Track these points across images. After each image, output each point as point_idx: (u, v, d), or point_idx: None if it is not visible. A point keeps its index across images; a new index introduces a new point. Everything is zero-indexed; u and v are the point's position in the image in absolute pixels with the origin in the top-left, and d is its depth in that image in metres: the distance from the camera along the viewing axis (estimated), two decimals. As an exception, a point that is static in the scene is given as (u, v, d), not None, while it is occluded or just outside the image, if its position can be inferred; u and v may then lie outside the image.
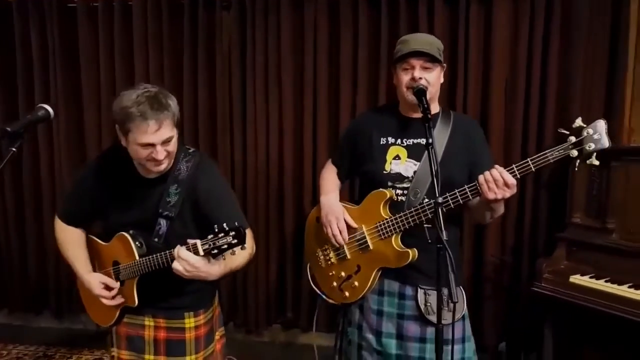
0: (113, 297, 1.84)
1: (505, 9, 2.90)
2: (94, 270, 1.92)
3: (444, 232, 1.46)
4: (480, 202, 1.75)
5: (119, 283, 1.84)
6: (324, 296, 2.03)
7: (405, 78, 1.81)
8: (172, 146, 1.68)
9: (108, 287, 1.84)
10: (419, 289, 1.85)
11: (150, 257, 1.72)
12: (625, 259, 2.35)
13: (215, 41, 3.21)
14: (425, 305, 1.83)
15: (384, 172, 1.87)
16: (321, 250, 2.03)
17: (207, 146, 3.27)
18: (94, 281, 1.85)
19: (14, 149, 1.41)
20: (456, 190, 1.70)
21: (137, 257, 1.75)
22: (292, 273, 3.29)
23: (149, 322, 1.88)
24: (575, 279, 2.38)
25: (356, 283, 1.91)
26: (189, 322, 1.88)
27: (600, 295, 2.26)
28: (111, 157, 1.84)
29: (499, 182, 1.62)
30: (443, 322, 1.76)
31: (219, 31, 3.20)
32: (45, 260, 3.53)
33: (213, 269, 1.64)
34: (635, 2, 2.78)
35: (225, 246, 1.54)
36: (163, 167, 1.71)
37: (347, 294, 1.94)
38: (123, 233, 1.79)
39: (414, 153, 1.86)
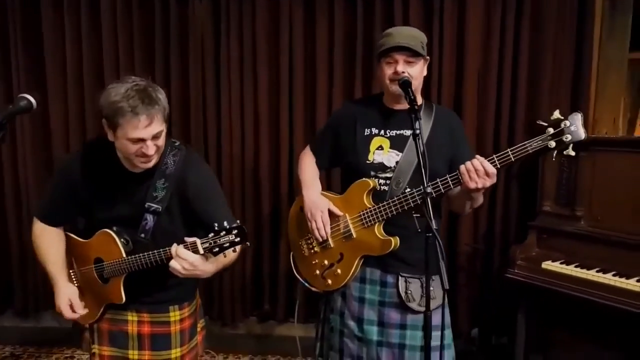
0: (73, 314, 1.82)
1: (478, 3, 2.97)
2: (71, 268, 1.89)
3: (433, 221, 1.50)
4: (461, 192, 1.79)
5: (85, 308, 1.83)
6: (306, 284, 2.04)
7: (388, 71, 1.84)
8: (162, 141, 1.65)
9: (73, 308, 1.81)
10: (399, 277, 1.89)
11: (144, 254, 1.69)
12: (593, 245, 2.46)
13: (189, 31, 3.14)
14: (406, 292, 1.87)
15: (367, 162, 1.90)
16: (304, 240, 2.04)
17: (181, 137, 3.21)
18: (64, 296, 1.82)
19: (-3, 140, 1.36)
20: (438, 180, 1.73)
21: (124, 255, 1.73)
22: (269, 265, 3.28)
23: (132, 317, 1.84)
24: (547, 265, 2.47)
25: (339, 271, 1.93)
26: (174, 315, 1.86)
27: (571, 280, 2.37)
28: (95, 149, 1.78)
29: (479, 172, 1.66)
30: (418, 307, 1.85)
31: (192, 21, 3.14)
32: (9, 258, 3.39)
33: (208, 267, 1.63)
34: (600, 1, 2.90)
35: (228, 244, 1.55)
36: (152, 163, 1.68)
37: (329, 281, 1.96)
38: (106, 230, 1.75)
39: (396, 144, 1.89)
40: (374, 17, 3.03)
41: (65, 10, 3.16)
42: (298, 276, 2.08)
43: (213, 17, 3.14)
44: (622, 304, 2.16)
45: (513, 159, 1.65)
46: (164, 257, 1.65)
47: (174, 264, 1.57)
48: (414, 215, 1.75)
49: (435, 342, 1.81)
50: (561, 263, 2.46)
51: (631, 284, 2.19)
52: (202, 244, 1.56)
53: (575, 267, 2.40)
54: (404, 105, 1.81)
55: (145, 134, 1.57)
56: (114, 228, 1.75)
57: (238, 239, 1.54)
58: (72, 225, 1.93)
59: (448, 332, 1.94)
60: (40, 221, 1.86)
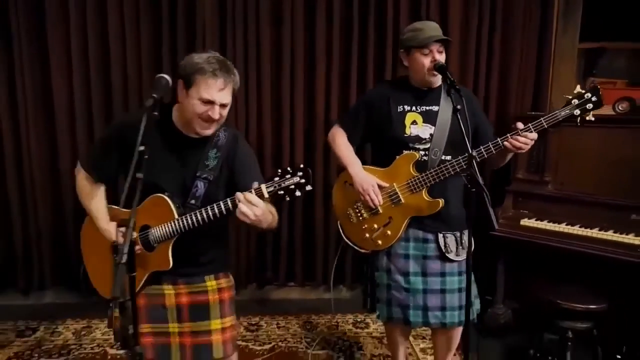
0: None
1: (458, 11, 3.42)
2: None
3: (480, 178, 1.88)
4: (497, 154, 2.14)
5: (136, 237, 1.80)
6: (355, 247, 2.37)
7: (425, 61, 2.18)
8: (225, 112, 1.76)
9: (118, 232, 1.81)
10: (438, 234, 2.27)
11: (210, 207, 1.71)
12: (559, 204, 3.01)
13: (196, 26, 3.30)
14: (445, 246, 2.27)
15: (405, 135, 2.23)
16: (352, 209, 2.35)
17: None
18: (112, 227, 1.82)
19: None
20: (481, 147, 2.07)
21: (176, 216, 1.75)
22: (272, 235, 3.57)
23: (168, 290, 1.87)
24: (525, 222, 2.99)
25: (389, 232, 2.28)
26: (211, 284, 1.91)
27: (545, 232, 2.90)
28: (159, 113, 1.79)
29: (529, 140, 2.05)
30: (457, 258, 2.26)
31: (199, 15, 3.29)
32: (12, 237, 3.41)
33: (268, 216, 1.73)
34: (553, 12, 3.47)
35: (293, 186, 1.60)
36: (212, 130, 1.77)
37: (380, 242, 2.29)
38: (159, 195, 1.77)
39: (428, 118, 2.24)
40: (368, 11, 3.38)
41: (70, 6, 3.22)
42: (347, 241, 2.40)
43: (219, 10, 3.32)
44: (588, 248, 2.71)
45: (546, 126, 2.04)
46: (228, 205, 1.68)
47: (244, 209, 1.60)
48: (463, 175, 2.12)
49: (463, 284, 2.27)
50: (536, 220, 3.00)
51: (594, 233, 2.76)
52: (266, 187, 1.61)
53: (548, 222, 2.94)
54: (430, 86, 2.23)
55: (217, 97, 1.69)
56: (166, 193, 1.78)
57: (303, 180, 1.60)
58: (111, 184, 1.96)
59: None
60: (85, 171, 1.89)
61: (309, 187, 1.62)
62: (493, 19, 3.44)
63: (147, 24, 3.30)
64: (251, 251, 3.60)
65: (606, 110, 3.05)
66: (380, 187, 2.26)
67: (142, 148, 1.41)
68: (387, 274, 2.33)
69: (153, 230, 1.80)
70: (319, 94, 3.47)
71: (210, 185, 1.82)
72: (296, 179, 1.60)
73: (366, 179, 2.27)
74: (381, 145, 2.36)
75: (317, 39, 3.40)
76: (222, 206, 1.71)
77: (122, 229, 1.78)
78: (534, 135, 2.05)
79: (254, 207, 1.61)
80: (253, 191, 1.62)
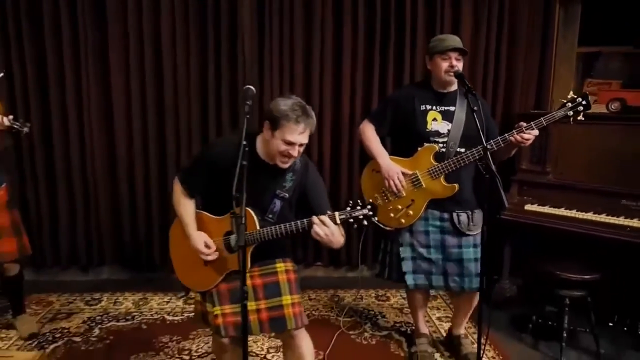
0: (208, 250, 2.12)
1: (469, 8, 3.82)
2: None
3: (493, 166, 2.28)
4: (505, 147, 2.55)
5: (215, 247, 2.12)
6: (381, 225, 2.78)
7: (444, 65, 2.60)
8: (302, 150, 2.07)
9: (207, 246, 2.14)
10: (453, 213, 2.70)
11: (288, 224, 2.00)
12: (559, 191, 3.41)
13: (237, 26, 3.73)
14: (459, 223, 2.69)
15: (427, 129, 2.65)
16: (378, 193, 2.77)
17: (230, 111, 3.84)
18: (200, 238, 2.13)
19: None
20: (493, 140, 2.49)
21: (258, 228, 2.04)
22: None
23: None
24: (529, 207, 3.40)
25: (410, 212, 2.71)
26: (280, 266, 2.21)
27: (547, 216, 3.30)
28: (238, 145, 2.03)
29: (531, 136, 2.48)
30: (470, 232, 2.69)
31: (240, 17, 3.72)
32: (76, 219, 3.86)
33: (339, 237, 2.00)
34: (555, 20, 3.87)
35: (362, 217, 1.93)
36: (289, 164, 2.08)
37: (403, 220, 2.72)
38: (247, 208, 1.91)
39: (446, 116, 2.67)
40: (389, 18, 3.79)
41: (129, 11, 3.66)
42: (375, 220, 2.81)
43: (258, 15, 3.75)
44: (584, 229, 3.09)
45: (545, 124, 2.48)
46: (305, 225, 1.97)
47: (317, 229, 1.92)
48: (479, 164, 2.53)
49: (478, 255, 2.70)
50: (538, 205, 3.41)
51: (589, 216, 3.16)
52: (339, 215, 1.94)
53: (549, 207, 3.36)
54: (448, 89, 2.67)
55: (298, 139, 1.99)
56: (251, 207, 2.02)
57: (371, 213, 1.93)
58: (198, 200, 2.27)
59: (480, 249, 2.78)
60: (180, 184, 2.22)
61: (375, 219, 1.96)
62: (500, 26, 3.84)
63: (194, 30, 3.72)
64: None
65: (601, 108, 3.47)
66: (404, 173, 2.68)
67: (244, 162, 1.77)
68: (410, 248, 2.75)
69: (235, 236, 2.04)
70: (345, 93, 3.88)
71: (284, 203, 2.14)
72: (365, 211, 1.93)
73: (392, 167, 2.69)
74: (404, 138, 2.76)
75: (344, 45, 3.81)
76: (299, 225, 2.00)
77: (207, 239, 2.13)
78: (536, 132, 2.48)
79: (327, 229, 1.93)
80: (327, 216, 1.94)
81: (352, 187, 3.96)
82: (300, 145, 2.03)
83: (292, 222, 2.02)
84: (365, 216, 1.94)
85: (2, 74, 2.90)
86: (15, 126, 2.54)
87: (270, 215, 2.12)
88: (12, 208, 2.85)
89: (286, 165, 2.08)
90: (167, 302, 3.58)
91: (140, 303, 3.56)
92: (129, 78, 3.74)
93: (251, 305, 2.11)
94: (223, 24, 3.71)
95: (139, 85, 3.76)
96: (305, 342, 2.21)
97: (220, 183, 2.08)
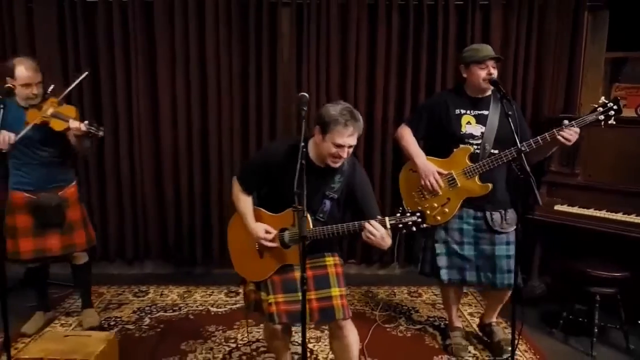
0: (268, 235, 2.28)
1: (499, 15, 3.96)
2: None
3: (528, 168, 2.43)
4: (540, 149, 2.69)
5: (276, 235, 2.28)
6: None
7: (482, 73, 2.74)
8: (351, 151, 2.21)
9: (268, 233, 2.30)
10: (486, 212, 2.84)
11: (340, 225, 2.15)
12: (587, 192, 3.52)
13: (277, 34, 3.94)
14: (492, 221, 2.82)
15: (462, 132, 2.80)
16: (416, 192, 2.93)
17: (270, 110, 4.04)
18: (260, 227, 2.31)
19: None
20: (527, 142, 2.62)
21: (311, 227, 2.17)
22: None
23: (297, 266, 2.27)
24: (558, 207, 3.52)
25: (446, 210, 2.85)
26: (329, 260, 2.36)
27: (575, 216, 3.41)
28: (294, 144, 2.18)
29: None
30: (503, 230, 2.82)
31: (280, 25, 3.94)
32: (124, 216, 4.11)
33: (388, 240, 2.14)
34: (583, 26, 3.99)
35: (411, 223, 2.07)
36: (339, 164, 2.22)
37: (439, 217, 2.87)
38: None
39: (479, 120, 2.81)
40: (422, 27, 3.95)
41: (176, 12, 3.89)
42: (423, 227, 2.95)
43: (297, 23, 3.94)
44: (613, 229, 3.21)
45: (576, 127, 2.62)
46: (356, 228, 2.12)
47: (369, 233, 2.06)
48: (514, 165, 2.66)
49: (511, 252, 2.82)
50: (568, 206, 3.52)
51: (619, 216, 3.26)
52: (389, 220, 2.08)
53: (579, 208, 3.46)
54: (482, 95, 2.82)
55: (347, 142, 2.13)
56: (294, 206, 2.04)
57: (420, 220, 2.07)
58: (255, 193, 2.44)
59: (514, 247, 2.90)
60: (238, 182, 2.40)
61: (425, 225, 2.09)
62: (529, 32, 3.97)
63: (237, 34, 3.93)
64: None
65: (629, 112, 3.57)
66: (440, 173, 2.83)
67: (303, 162, 1.93)
68: (445, 245, 2.90)
69: (289, 233, 2.28)
70: (378, 98, 4.04)
71: (334, 203, 2.29)
72: (414, 218, 2.07)
73: (429, 167, 2.85)
74: (440, 140, 2.91)
75: (378, 51, 3.98)
76: (351, 227, 2.15)
77: (267, 227, 2.29)
78: (576, 129, 2.62)
79: (377, 232, 2.07)
80: (378, 220, 2.09)
81: (385, 188, 4.11)
82: (350, 147, 2.18)
83: (345, 224, 2.16)
84: (415, 223, 2.08)
85: (86, 73, 3.12)
86: (92, 130, 2.75)
87: (321, 215, 2.27)
88: (81, 204, 3.15)
89: (336, 165, 2.22)
90: (210, 295, 3.78)
91: (185, 295, 3.77)
92: (175, 81, 3.98)
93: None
94: (264, 28, 3.91)
95: (184, 88, 3.98)
96: (352, 332, 2.35)
97: (275, 182, 2.31)
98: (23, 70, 2.80)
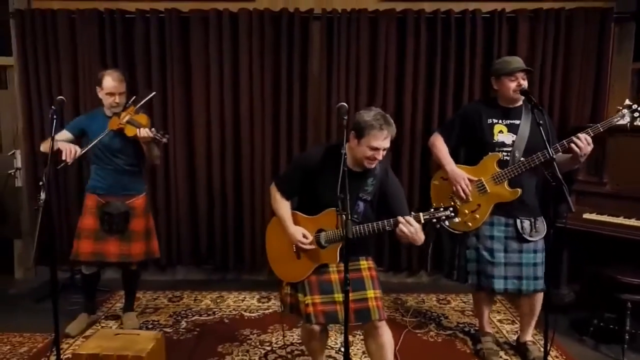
0: (306, 240, 2.37)
1: (526, 31, 4.03)
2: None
3: (559, 174, 2.47)
4: (567, 157, 2.77)
5: (313, 239, 2.37)
6: (450, 229, 2.99)
7: (512, 85, 2.82)
8: (385, 153, 2.32)
9: (305, 237, 2.39)
10: (517, 219, 2.89)
11: (376, 223, 2.26)
12: (616, 201, 3.54)
13: (308, 47, 4.07)
14: (522, 229, 2.87)
15: (494, 140, 2.87)
16: (446, 199, 2.98)
17: (301, 120, 4.16)
18: (298, 231, 2.39)
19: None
20: (557, 145, 2.69)
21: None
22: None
23: (332, 268, 2.40)
24: (587, 215, 3.55)
25: (477, 216, 2.92)
26: (363, 264, 2.45)
27: (604, 224, 3.44)
28: (330, 151, 2.39)
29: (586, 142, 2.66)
30: (532, 239, 2.86)
31: (311, 38, 4.06)
32: (157, 222, 4.19)
33: (421, 235, 2.23)
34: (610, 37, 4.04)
35: (444, 217, 2.19)
36: (374, 165, 2.32)
37: (470, 224, 2.93)
38: (335, 209, 2.22)
39: (511, 129, 2.88)
40: (450, 39, 4.04)
41: (211, 25, 4.04)
42: (456, 220, 3.01)
43: (327, 35, 4.06)
44: (643, 237, 3.26)
45: (601, 129, 2.68)
46: (391, 224, 2.22)
47: (403, 228, 2.17)
48: (546, 172, 2.70)
49: (538, 259, 2.87)
50: (597, 214, 3.55)
51: (648, 224, 3.30)
52: (423, 215, 2.19)
53: (608, 216, 3.49)
54: (513, 105, 2.89)
55: (381, 144, 2.25)
56: (337, 209, 2.13)
57: (453, 214, 2.18)
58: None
59: (542, 255, 2.94)
60: (277, 188, 2.51)
61: (457, 220, 2.25)
62: (556, 43, 4.03)
63: (269, 49, 4.07)
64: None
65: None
66: (470, 180, 2.90)
67: (345, 169, 2.06)
68: (476, 252, 2.96)
69: (325, 234, 2.38)
70: (407, 109, 4.12)
71: (367, 205, 2.39)
72: (447, 212, 2.19)
73: (459, 173, 2.92)
74: (473, 149, 2.99)
75: (407, 63, 4.07)
76: (386, 224, 2.25)
77: (304, 231, 2.38)
78: (588, 139, 2.65)
79: (411, 227, 2.18)
80: (412, 216, 2.20)
81: (413, 197, 4.16)
82: (384, 149, 2.30)
83: (380, 222, 2.26)
84: (448, 217, 2.19)
85: (154, 93, 3.28)
86: (157, 137, 2.94)
87: (355, 216, 2.36)
88: (147, 216, 3.30)
89: (372, 166, 2.33)
90: (242, 300, 3.87)
91: (218, 301, 3.87)
92: (209, 91, 4.13)
93: (338, 297, 2.34)
94: (295, 40, 4.04)
95: (218, 98, 4.13)
96: (387, 333, 2.42)
97: (312, 185, 2.40)
98: (110, 80, 3.06)
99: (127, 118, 3.02)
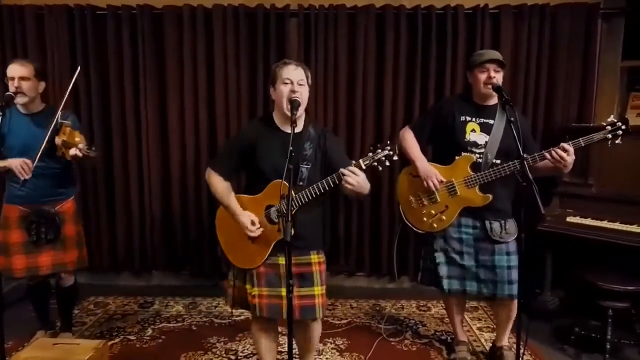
0: (254, 227, 2.30)
1: (510, 23, 3.89)
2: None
3: (530, 175, 2.33)
4: (545, 164, 2.62)
5: (260, 223, 2.31)
6: (413, 227, 2.88)
7: (482, 77, 2.69)
8: (304, 91, 2.25)
9: (253, 224, 2.31)
10: (485, 221, 2.75)
11: (319, 182, 2.20)
12: (601, 204, 3.40)
13: (285, 44, 3.94)
14: (492, 230, 2.74)
15: (465, 139, 2.74)
16: (413, 196, 2.87)
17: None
18: (246, 217, 2.31)
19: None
20: (536, 154, 2.57)
21: (293, 194, 2.16)
22: (343, 228, 4.13)
23: (282, 261, 2.28)
24: (570, 219, 3.41)
25: (443, 217, 2.78)
26: (314, 257, 2.37)
27: (588, 228, 3.29)
28: (262, 120, 2.43)
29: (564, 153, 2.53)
30: (502, 240, 2.73)
31: (288, 35, 3.94)
32: (131, 228, 4.13)
33: (367, 184, 2.22)
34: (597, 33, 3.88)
35: (384, 158, 2.11)
36: (296, 98, 2.19)
37: (435, 225, 2.80)
38: (277, 180, 2.20)
39: (484, 128, 2.74)
40: (430, 36, 3.90)
41: (184, 27, 3.93)
42: (407, 221, 2.90)
43: (304, 32, 3.93)
44: (628, 241, 3.08)
45: (583, 144, 2.55)
46: (334, 179, 2.15)
47: (348, 179, 2.10)
48: (516, 172, 2.56)
49: (512, 262, 2.74)
50: (580, 217, 3.41)
51: (634, 228, 3.15)
52: (363, 162, 2.11)
53: (592, 219, 3.35)
54: (488, 102, 2.75)
55: (293, 75, 2.21)
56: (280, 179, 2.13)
57: (392, 152, 2.09)
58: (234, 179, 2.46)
59: (515, 257, 2.76)
60: (213, 169, 2.39)
61: (395, 158, 2.14)
62: (541, 39, 3.88)
63: (245, 47, 3.95)
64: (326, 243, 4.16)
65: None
66: (440, 180, 2.77)
67: (291, 148, 1.98)
68: (444, 254, 2.84)
69: (274, 209, 2.31)
70: (386, 105, 3.98)
71: (310, 168, 2.31)
72: (386, 152, 2.11)
73: (430, 169, 2.79)
74: (443, 146, 2.86)
75: (386, 58, 3.94)
76: (330, 180, 2.19)
77: (252, 217, 2.31)
78: (570, 150, 2.52)
79: (357, 177, 2.11)
80: (354, 165, 2.13)
81: (393, 196, 4.02)
82: (299, 82, 2.23)
83: (324, 180, 2.21)
84: (387, 157, 2.11)
85: (78, 69, 2.97)
86: (87, 154, 2.63)
87: (301, 183, 2.28)
88: (78, 221, 3.01)
89: (296, 99, 2.19)
90: (216, 307, 3.76)
91: (190, 307, 3.75)
92: (183, 90, 4.01)
93: (284, 291, 2.25)
94: (272, 38, 3.92)
95: (192, 97, 4.01)
96: (317, 327, 2.50)
97: (252, 159, 2.32)
98: (12, 65, 2.77)
99: (63, 139, 2.68)
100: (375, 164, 2.13)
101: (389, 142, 2.14)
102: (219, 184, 2.40)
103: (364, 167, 2.13)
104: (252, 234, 2.32)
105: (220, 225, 2.50)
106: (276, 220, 2.32)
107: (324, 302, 2.37)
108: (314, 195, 2.24)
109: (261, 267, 2.34)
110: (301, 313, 2.31)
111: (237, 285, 2.43)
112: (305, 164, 2.30)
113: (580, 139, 2.56)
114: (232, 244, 2.44)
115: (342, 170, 2.13)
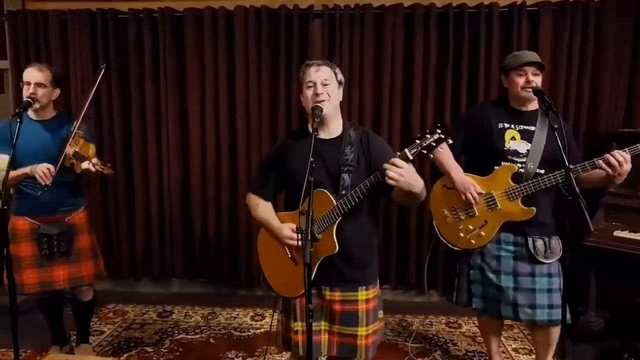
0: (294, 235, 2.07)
1: (549, 21, 3.63)
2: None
3: (577, 188, 2.11)
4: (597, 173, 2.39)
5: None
6: (449, 244, 2.66)
7: (520, 81, 2.47)
8: (330, 90, 2.05)
9: (293, 231, 2.08)
10: (528, 238, 2.51)
11: (362, 183, 1.91)
12: (652, 217, 3.12)
13: (308, 43, 3.78)
14: (535, 249, 2.50)
15: (505, 148, 2.51)
16: (448, 210, 2.65)
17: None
18: (285, 228, 2.11)
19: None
20: (586, 163, 2.33)
21: (334, 203, 1.98)
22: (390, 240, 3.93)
23: (325, 293, 2.07)
24: (618, 233, 3.12)
25: (482, 233, 2.56)
26: (362, 294, 2.09)
27: (637, 243, 3.01)
28: (295, 133, 2.24)
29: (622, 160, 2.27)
30: (546, 261, 2.48)
31: (311, 36, 3.78)
32: (150, 235, 4.03)
33: (418, 178, 1.87)
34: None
35: (434, 142, 1.73)
36: (323, 98, 2.02)
37: (473, 241, 2.57)
38: (319, 189, 1.96)
39: (525, 136, 2.50)
40: (463, 37, 3.68)
41: (205, 25, 3.82)
42: (442, 238, 2.70)
43: (329, 34, 3.77)
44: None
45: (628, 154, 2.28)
46: (377, 177, 1.85)
47: (391, 173, 1.75)
48: (561, 185, 2.36)
49: (554, 285, 2.49)
50: (630, 232, 3.12)
51: (688, 244, 2.86)
52: (409, 151, 1.75)
53: (642, 234, 3.06)
54: (528, 107, 2.52)
55: (315, 77, 2.03)
56: (322, 188, 1.98)
57: (443, 135, 1.72)
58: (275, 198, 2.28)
59: (561, 280, 2.54)
60: (253, 194, 2.25)
61: (450, 141, 1.76)
62: (584, 38, 3.61)
63: (267, 51, 3.82)
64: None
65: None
66: (478, 193, 2.55)
67: (311, 159, 1.79)
68: (480, 272, 2.60)
69: (319, 218, 2.02)
70: (415, 110, 3.78)
71: (353, 175, 2.04)
72: (436, 136, 1.73)
73: (467, 180, 2.56)
74: (480, 156, 2.62)
75: (415, 61, 3.74)
76: (372, 179, 1.89)
77: (292, 225, 2.09)
78: (628, 160, 2.27)
79: (401, 169, 1.75)
80: (398, 156, 1.78)
81: (423, 206, 3.78)
82: (323, 82, 2.04)
83: (365, 181, 1.91)
84: (438, 140, 1.73)
85: (103, 67, 2.79)
86: (99, 170, 2.51)
87: (344, 191, 2.03)
88: (91, 231, 2.89)
89: (323, 104, 2.02)
90: (235, 318, 3.62)
91: (209, 317, 3.63)
92: (204, 93, 3.91)
93: (325, 325, 2.09)
94: (294, 40, 3.78)
95: (213, 101, 3.91)
96: None
97: (288, 173, 2.14)
98: (28, 70, 2.68)
99: (75, 149, 2.57)
100: (425, 151, 1.75)
101: (439, 124, 1.76)
102: (258, 205, 2.24)
103: (411, 158, 1.76)
104: (294, 242, 2.08)
105: (262, 250, 2.31)
106: (319, 236, 2.05)
107: (370, 342, 2.09)
108: (357, 201, 1.95)
109: (300, 297, 2.09)
110: (338, 349, 2.10)
111: (282, 321, 2.22)
112: (347, 170, 2.05)
113: (626, 148, 2.30)
114: (274, 270, 2.24)
115: (384, 165, 1.79)
